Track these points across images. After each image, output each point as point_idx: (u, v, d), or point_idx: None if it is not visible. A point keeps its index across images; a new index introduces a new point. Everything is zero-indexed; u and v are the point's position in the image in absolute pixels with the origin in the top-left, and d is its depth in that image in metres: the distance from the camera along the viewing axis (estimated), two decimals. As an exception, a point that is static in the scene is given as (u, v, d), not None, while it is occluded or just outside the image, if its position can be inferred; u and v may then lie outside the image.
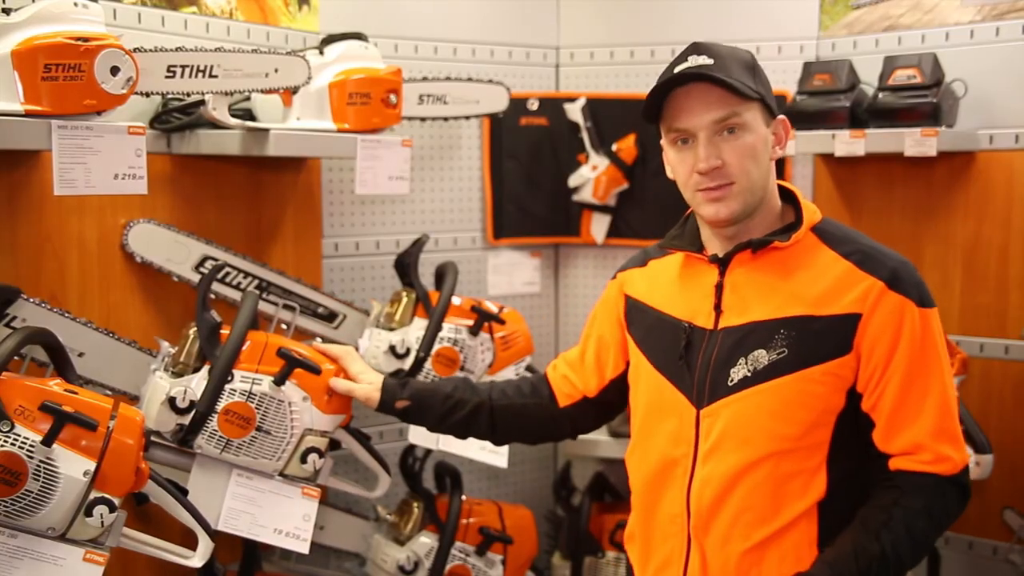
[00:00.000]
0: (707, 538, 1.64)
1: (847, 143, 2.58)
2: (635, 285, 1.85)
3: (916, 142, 2.48)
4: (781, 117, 1.68)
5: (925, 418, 1.57)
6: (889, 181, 2.84)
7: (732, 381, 1.62)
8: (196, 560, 1.89)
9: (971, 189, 2.72)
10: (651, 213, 3.06)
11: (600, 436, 2.77)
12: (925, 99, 2.52)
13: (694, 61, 1.60)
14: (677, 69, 1.61)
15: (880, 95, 2.60)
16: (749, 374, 1.61)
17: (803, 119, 2.68)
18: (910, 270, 1.62)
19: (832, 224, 1.70)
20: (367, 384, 2.02)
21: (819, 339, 1.58)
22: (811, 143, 2.68)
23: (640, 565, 1.78)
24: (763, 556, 1.61)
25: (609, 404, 1.96)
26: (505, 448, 2.43)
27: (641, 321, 1.81)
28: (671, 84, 1.61)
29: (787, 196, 1.73)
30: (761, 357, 1.60)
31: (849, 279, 1.60)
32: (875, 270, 1.59)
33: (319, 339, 2.28)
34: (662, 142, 1.72)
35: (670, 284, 1.78)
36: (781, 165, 2.91)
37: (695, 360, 1.67)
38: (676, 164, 1.68)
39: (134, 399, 2.05)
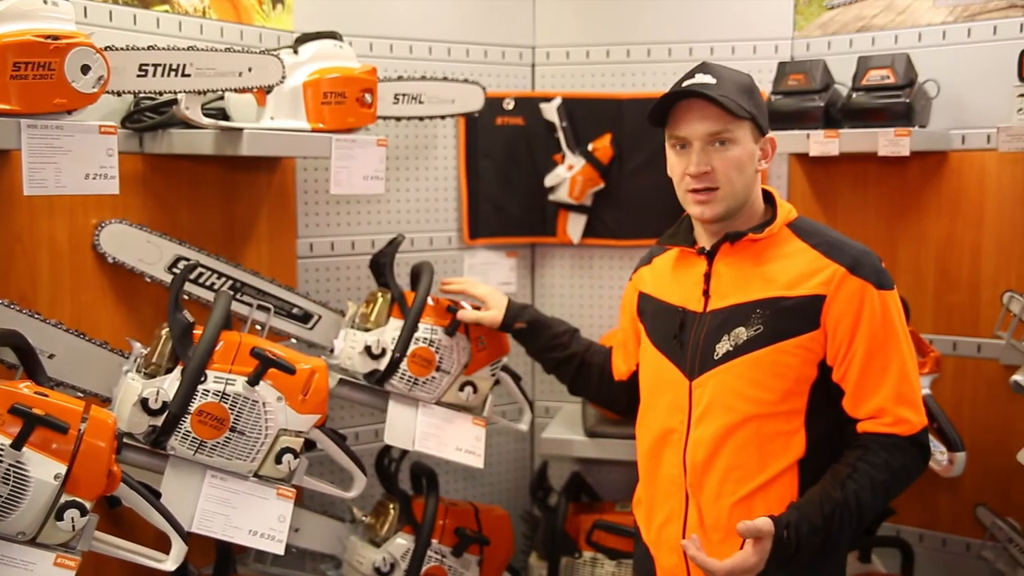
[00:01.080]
0: (702, 494, 1.88)
1: (821, 143, 2.60)
2: (645, 282, 2.11)
3: (889, 142, 2.50)
4: (770, 135, 1.92)
5: (886, 386, 1.81)
6: (863, 181, 2.86)
7: (717, 355, 1.87)
8: (169, 563, 1.88)
9: (944, 189, 2.74)
10: (627, 213, 3.07)
11: (576, 436, 2.77)
12: (898, 99, 2.54)
13: (699, 79, 1.85)
14: (684, 84, 1.86)
15: (854, 95, 2.62)
16: (731, 348, 1.85)
17: (778, 119, 2.68)
18: (871, 258, 1.86)
19: (805, 221, 1.95)
20: (494, 310, 2.34)
21: (789, 316, 1.82)
22: (786, 143, 2.68)
23: (646, 525, 2.03)
24: (751, 508, 1.83)
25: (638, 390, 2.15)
26: (481, 449, 2.44)
27: (649, 310, 2.07)
28: (676, 97, 1.86)
29: (768, 198, 1.98)
30: (741, 334, 1.85)
31: (816, 265, 1.84)
32: (838, 258, 1.84)
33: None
34: (666, 144, 1.94)
35: (668, 275, 2.05)
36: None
37: (688, 339, 1.92)
38: (673, 165, 1.92)
39: (106, 401, 2.03)
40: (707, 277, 1.93)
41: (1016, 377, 2.48)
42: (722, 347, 1.86)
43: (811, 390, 1.84)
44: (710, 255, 1.93)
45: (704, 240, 1.96)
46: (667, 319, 1.98)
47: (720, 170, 1.84)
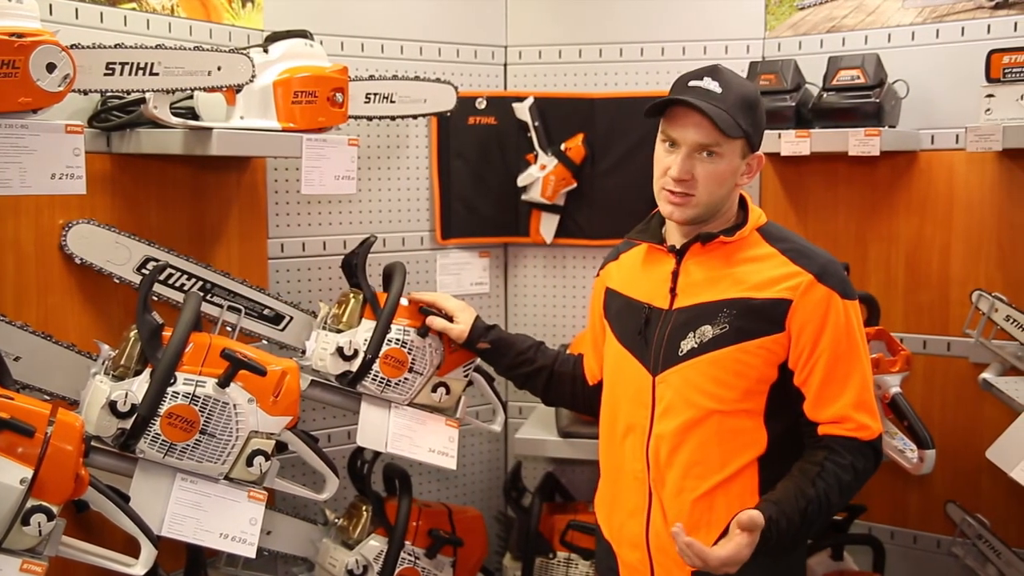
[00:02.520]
0: (664, 489, 1.90)
1: (793, 143, 2.61)
2: (612, 277, 2.11)
3: (860, 142, 2.51)
4: (758, 154, 1.94)
5: (849, 393, 1.84)
6: (834, 180, 2.87)
7: (682, 352, 1.89)
8: (139, 568, 1.86)
9: (913, 188, 2.76)
10: (599, 212, 3.07)
11: (550, 436, 2.76)
12: (868, 99, 2.56)
13: (706, 83, 1.84)
14: (690, 83, 1.85)
15: (824, 95, 2.63)
16: (696, 346, 1.87)
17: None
18: (836, 267, 1.89)
19: (774, 226, 1.98)
20: (462, 324, 2.32)
21: (755, 317, 1.85)
22: (757, 143, 2.69)
23: (607, 521, 2.05)
24: (712, 503, 1.88)
25: None
26: (454, 450, 2.43)
27: (614, 306, 2.08)
28: (677, 102, 1.84)
29: (741, 202, 1.99)
30: (707, 331, 1.87)
31: (784, 270, 1.86)
32: (806, 265, 1.86)
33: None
34: (658, 134, 1.93)
35: (636, 272, 2.05)
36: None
37: (652, 335, 1.94)
38: (659, 158, 1.92)
39: (73, 404, 2.00)
40: (675, 275, 1.94)
41: (985, 375, 2.51)
42: (687, 344, 1.88)
43: (770, 390, 1.87)
44: (679, 253, 1.95)
45: (674, 238, 1.97)
46: (632, 315, 1.99)
47: (701, 180, 1.85)
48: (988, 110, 2.44)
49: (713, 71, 1.86)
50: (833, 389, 1.84)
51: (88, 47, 1.87)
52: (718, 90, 1.83)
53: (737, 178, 1.91)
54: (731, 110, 1.82)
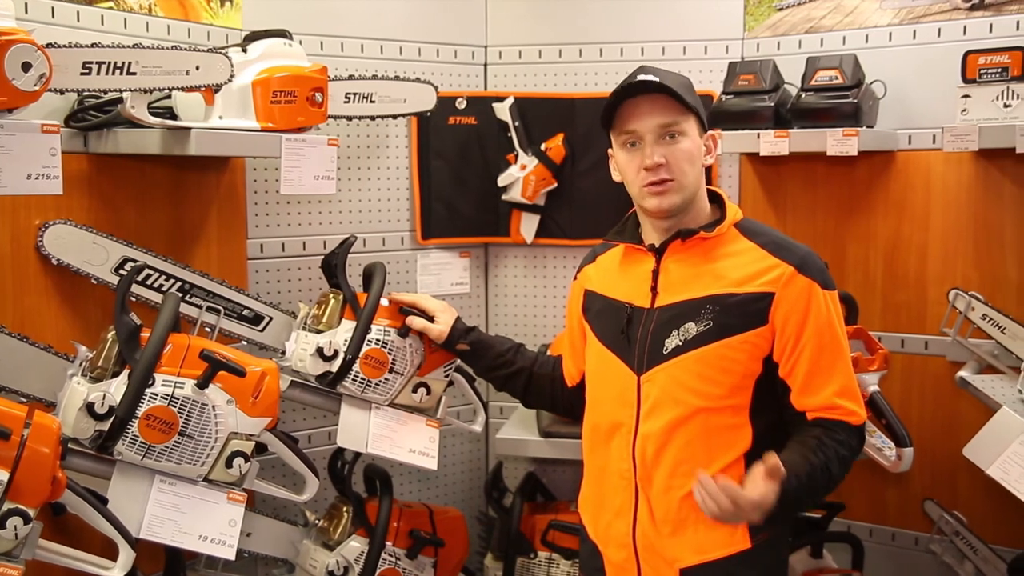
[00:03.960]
0: (651, 488, 1.91)
1: (771, 142, 2.62)
2: (590, 279, 2.12)
3: (838, 142, 2.53)
4: (711, 132, 1.99)
5: (835, 382, 1.87)
6: (812, 180, 2.89)
7: (666, 350, 1.89)
8: (117, 571, 1.85)
9: (891, 188, 2.78)
10: (580, 212, 3.07)
11: (531, 436, 2.76)
12: (846, 99, 2.57)
13: (643, 78, 1.88)
14: (627, 84, 1.90)
15: (803, 95, 2.64)
16: (680, 343, 1.88)
17: (729, 119, 2.71)
18: (815, 258, 1.91)
19: (750, 221, 1.99)
20: (442, 325, 2.32)
21: (738, 313, 1.86)
22: (737, 142, 2.71)
23: (593, 522, 2.05)
24: None
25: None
26: (435, 450, 2.42)
27: (594, 307, 2.08)
28: (625, 94, 1.89)
29: (715, 199, 2.02)
30: (690, 329, 1.87)
31: (764, 264, 1.88)
32: (786, 257, 1.88)
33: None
34: (610, 150, 1.99)
35: (614, 272, 2.06)
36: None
37: (635, 335, 1.94)
38: (625, 164, 1.94)
39: (50, 406, 1.99)
40: (655, 274, 1.95)
41: (962, 373, 2.53)
42: (671, 342, 1.88)
43: (756, 385, 1.88)
44: (659, 252, 1.96)
45: (653, 237, 1.99)
46: (614, 315, 1.99)
47: (673, 162, 1.88)
48: (964, 110, 2.46)
49: (643, 69, 1.91)
50: (819, 379, 1.86)
51: (64, 46, 1.86)
52: (655, 79, 1.87)
53: (702, 158, 1.94)
54: (676, 88, 1.87)
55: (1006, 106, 2.41)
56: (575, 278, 2.20)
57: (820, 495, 1.86)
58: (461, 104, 3.07)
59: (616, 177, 2.01)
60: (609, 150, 2.00)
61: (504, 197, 3.10)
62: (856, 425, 1.88)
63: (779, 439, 1.89)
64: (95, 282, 2.17)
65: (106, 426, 1.90)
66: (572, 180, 3.07)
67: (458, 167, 3.08)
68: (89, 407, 1.89)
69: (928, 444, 2.66)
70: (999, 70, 2.41)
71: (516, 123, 3.05)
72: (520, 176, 3.03)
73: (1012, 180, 2.61)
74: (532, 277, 3.22)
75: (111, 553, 1.86)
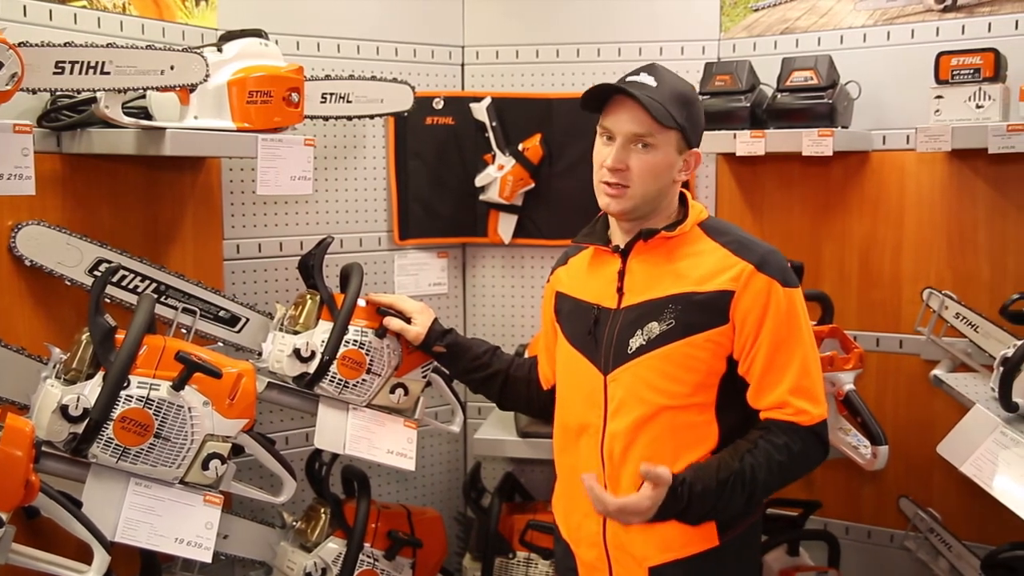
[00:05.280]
0: (620, 487, 1.91)
1: (747, 143, 2.64)
2: (562, 281, 2.14)
3: (813, 142, 2.54)
4: (696, 150, 1.97)
5: (787, 380, 1.86)
6: (788, 180, 2.91)
7: (631, 349, 1.91)
8: (92, 575, 1.83)
9: (866, 188, 2.80)
10: (557, 212, 3.08)
11: (509, 436, 2.77)
12: (821, 100, 2.59)
13: (642, 79, 1.89)
14: (628, 79, 1.91)
15: (778, 96, 2.66)
16: (644, 343, 1.90)
17: (705, 119, 2.71)
18: (777, 257, 1.91)
19: (715, 220, 2.01)
20: (419, 326, 2.33)
21: (700, 311, 1.87)
22: (713, 143, 2.72)
23: (565, 521, 2.07)
24: None
25: None
26: (413, 451, 2.42)
27: (564, 309, 2.10)
28: (609, 92, 1.90)
29: (681, 199, 2.03)
30: (654, 328, 1.89)
31: (725, 263, 1.89)
32: (747, 256, 1.89)
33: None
34: (597, 131, 1.98)
35: (583, 274, 2.08)
36: (684, 165, 2.96)
37: (602, 335, 1.96)
38: (597, 152, 1.96)
39: (23, 408, 1.97)
40: (621, 274, 1.96)
41: (936, 372, 2.56)
42: (635, 341, 1.90)
43: (720, 383, 1.89)
44: (624, 253, 1.97)
45: (619, 238, 2.00)
46: (582, 316, 2.01)
47: (635, 171, 1.89)
48: (937, 111, 2.48)
49: (650, 68, 1.91)
50: (773, 376, 1.86)
51: (37, 45, 1.84)
52: (653, 84, 1.88)
53: (674, 173, 1.93)
54: (665, 102, 1.86)
55: (978, 107, 2.43)
56: (548, 280, 2.20)
57: (745, 499, 1.84)
58: (438, 104, 3.07)
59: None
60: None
61: (482, 197, 3.10)
62: (806, 425, 1.87)
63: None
64: (69, 283, 2.16)
65: (80, 428, 1.88)
66: (549, 180, 3.08)
67: (435, 167, 3.08)
68: (63, 409, 1.87)
69: (903, 442, 2.68)
70: (971, 71, 2.44)
71: (493, 123, 3.05)
72: (497, 176, 3.03)
73: (984, 180, 2.63)
74: (510, 277, 3.22)
75: (86, 557, 1.84)
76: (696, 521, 1.86)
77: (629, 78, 1.91)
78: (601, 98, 1.92)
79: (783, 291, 1.87)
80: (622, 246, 1.97)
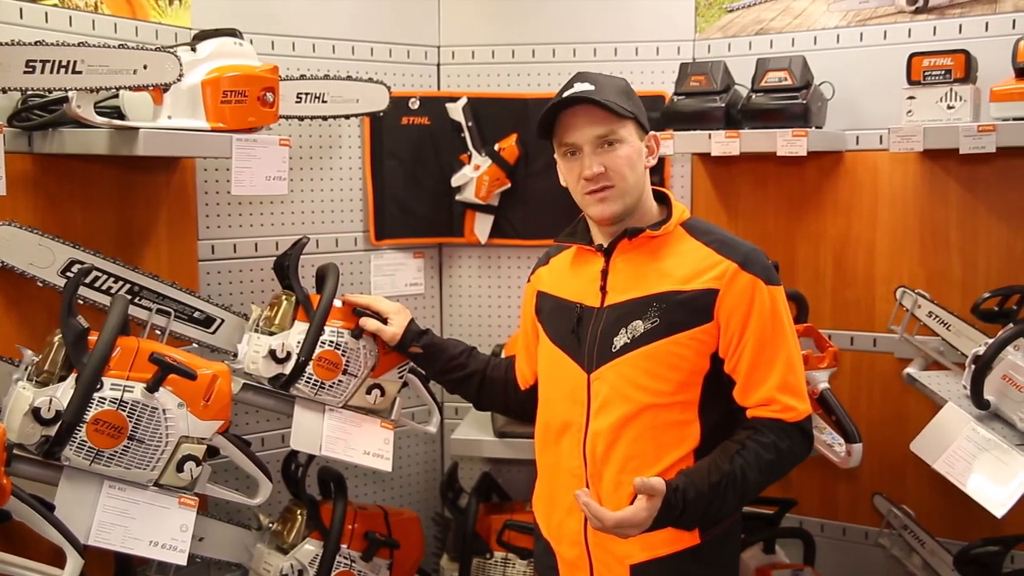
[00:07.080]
0: (602, 485, 1.93)
1: (722, 143, 2.65)
2: (543, 281, 2.15)
3: (787, 142, 2.56)
4: (652, 133, 2.01)
5: (774, 377, 1.89)
6: (763, 180, 2.92)
7: (615, 348, 1.92)
8: (65, 578, 1.82)
9: (840, 188, 2.82)
10: (534, 212, 3.08)
11: (486, 436, 2.76)
12: (795, 100, 2.61)
13: (579, 87, 1.92)
14: (565, 94, 1.93)
15: (753, 96, 2.67)
16: (628, 341, 1.91)
17: (680, 119, 2.73)
18: (759, 255, 1.94)
19: (697, 220, 2.03)
20: (395, 327, 2.32)
21: (684, 309, 1.89)
22: (688, 143, 2.73)
23: (546, 519, 2.08)
24: None
25: None
26: (390, 452, 2.42)
27: (546, 308, 2.11)
28: (560, 107, 1.93)
29: (663, 199, 2.05)
30: (638, 327, 1.90)
31: (709, 261, 1.91)
32: (730, 254, 1.91)
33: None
34: (555, 155, 2.01)
35: (566, 273, 2.10)
36: (661, 165, 2.97)
37: (585, 334, 1.97)
38: (566, 173, 1.99)
39: (-5, 411, 1.95)
40: (604, 273, 1.98)
41: (909, 370, 2.57)
42: (620, 340, 1.91)
43: (704, 381, 1.90)
44: (607, 252, 1.98)
45: (601, 238, 2.02)
46: (564, 315, 2.02)
47: (612, 169, 1.91)
48: (910, 112, 2.50)
49: (580, 76, 1.95)
50: (759, 373, 1.88)
51: (7, 44, 1.82)
52: (592, 87, 1.91)
53: (644, 160, 1.97)
54: (612, 97, 1.90)
55: (949, 107, 2.46)
56: (528, 280, 2.21)
57: (734, 502, 1.86)
58: (414, 104, 3.07)
59: (563, 182, 2.03)
60: (555, 154, 2.02)
61: (458, 197, 3.09)
62: (792, 422, 1.89)
63: (728, 436, 1.91)
64: (41, 285, 2.13)
65: (53, 431, 1.87)
66: (526, 180, 3.08)
67: (411, 167, 3.08)
68: (35, 412, 1.85)
69: (877, 440, 2.70)
70: (943, 72, 2.46)
71: (469, 123, 3.05)
72: (474, 176, 3.03)
73: (956, 180, 2.66)
74: (486, 277, 3.22)
75: (59, 561, 1.83)
76: (691, 526, 1.88)
77: (567, 92, 1.93)
78: (551, 121, 1.95)
79: (767, 289, 1.89)
80: (605, 245, 1.99)
